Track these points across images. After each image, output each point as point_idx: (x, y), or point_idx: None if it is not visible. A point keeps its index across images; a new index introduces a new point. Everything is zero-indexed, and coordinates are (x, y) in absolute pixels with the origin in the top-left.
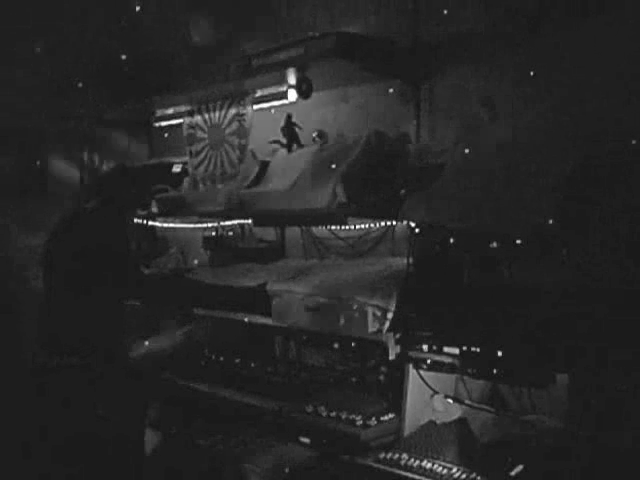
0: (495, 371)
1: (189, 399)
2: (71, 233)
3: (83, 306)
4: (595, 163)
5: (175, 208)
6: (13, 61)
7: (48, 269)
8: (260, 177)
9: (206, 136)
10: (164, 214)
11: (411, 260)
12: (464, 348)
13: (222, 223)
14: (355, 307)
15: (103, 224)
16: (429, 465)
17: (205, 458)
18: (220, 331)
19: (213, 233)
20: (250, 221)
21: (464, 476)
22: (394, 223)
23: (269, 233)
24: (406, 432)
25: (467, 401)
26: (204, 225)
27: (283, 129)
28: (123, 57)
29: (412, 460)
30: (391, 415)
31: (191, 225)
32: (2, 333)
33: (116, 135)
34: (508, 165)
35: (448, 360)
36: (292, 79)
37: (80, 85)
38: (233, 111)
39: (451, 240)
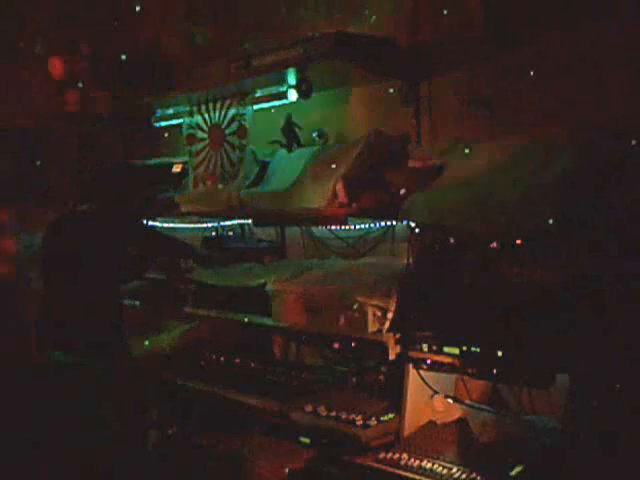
0: (495, 371)
1: (189, 399)
2: (67, 235)
3: (83, 305)
4: (595, 162)
5: (174, 208)
6: (14, 60)
7: (46, 270)
8: (260, 177)
9: (206, 136)
10: (164, 214)
11: (411, 260)
12: (464, 348)
13: (222, 223)
14: (355, 307)
15: (99, 225)
16: (429, 465)
17: (205, 458)
18: (220, 331)
19: (213, 233)
20: (250, 221)
21: (464, 476)
22: (394, 223)
23: (269, 233)
24: (406, 432)
25: (467, 401)
26: (204, 225)
27: (283, 129)
28: (123, 57)
29: (412, 460)
30: (391, 415)
31: (191, 225)
32: (3, 332)
33: (116, 135)
34: (508, 165)
35: (448, 360)
36: (292, 79)
37: (80, 85)
38: (233, 111)
39: (451, 240)
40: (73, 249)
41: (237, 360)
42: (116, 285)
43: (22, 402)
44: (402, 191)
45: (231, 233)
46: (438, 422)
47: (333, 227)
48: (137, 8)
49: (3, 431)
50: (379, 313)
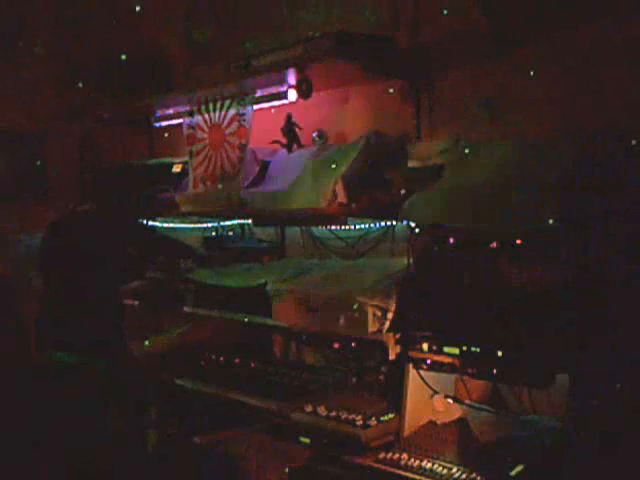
0: (495, 371)
1: (189, 399)
2: (68, 235)
3: (82, 305)
4: (595, 162)
5: (174, 208)
6: (14, 60)
7: (46, 270)
8: (260, 177)
9: (206, 136)
10: (164, 215)
11: (411, 260)
12: (464, 348)
13: (222, 223)
14: (355, 307)
15: (99, 226)
16: (429, 465)
17: (205, 458)
18: (220, 331)
19: (213, 233)
20: (250, 221)
21: (464, 476)
22: (394, 223)
23: (269, 233)
24: (406, 432)
25: (467, 401)
26: (204, 225)
27: (283, 129)
28: (123, 57)
29: (412, 460)
30: (391, 415)
31: (191, 225)
32: (3, 332)
33: (116, 135)
34: (508, 165)
35: (448, 360)
36: (292, 79)
37: (81, 85)
38: (233, 111)
39: (451, 240)
40: (73, 249)
41: (237, 360)
42: (116, 285)
43: (22, 402)
44: (402, 191)
45: (231, 233)
46: (438, 422)
47: (333, 227)
48: (137, 8)
49: (2, 431)
50: (379, 313)
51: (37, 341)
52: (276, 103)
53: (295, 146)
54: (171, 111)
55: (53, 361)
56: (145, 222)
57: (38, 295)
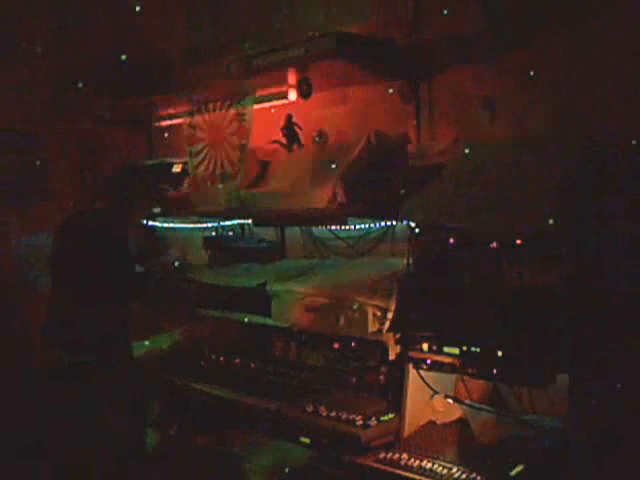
0: (495, 371)
1: (189, 399)
2: (79, 233)
3: (91, 305)
4: (595, 163)
5: (175, 208)
6: (13, 61)
7: (55, 270)
8: (260, 177)
9: (206, 136)
10: (164, 214)
11: (411, 260)
12: (464, 348)
13: (222, 223)
14: (355, 307)
15: (111, 224)
16: (429, 465)
17: (205, 458)
18: (220, 331)
19: (213, 233)
20: (250, 221)
21: (464, 476)
22: (394, 223)
23: (269, 233)
24: (406, 432)
25: (467, 401)
26: (204, 225)
27: (283, 129)
28: (123, 57)
29: (412, 460)
30: (391, 415)
31: (191, 225)
32: (5, 331)
33: (116, 135)
34: (508, 165)
35: (448, 360)
36: (292, 79)
37: (80, 85)
38: (233, 111)
39: (451, 240)
40: (81, 249)
41: (237, 360)
42: (125, 284)
43: (24, 401)
44: (402, 191)
45: (231, 233)
46: (438, 422)
47: (333, 227)
48: (137, 8)
49: (4, 430)
50: (379, 313)
51: (43, 341)
52: (276, 103)
53: (295, 146)
54: (171, 111)
55: (58, 361)
56: (146, 222)
57: (43, 295)
